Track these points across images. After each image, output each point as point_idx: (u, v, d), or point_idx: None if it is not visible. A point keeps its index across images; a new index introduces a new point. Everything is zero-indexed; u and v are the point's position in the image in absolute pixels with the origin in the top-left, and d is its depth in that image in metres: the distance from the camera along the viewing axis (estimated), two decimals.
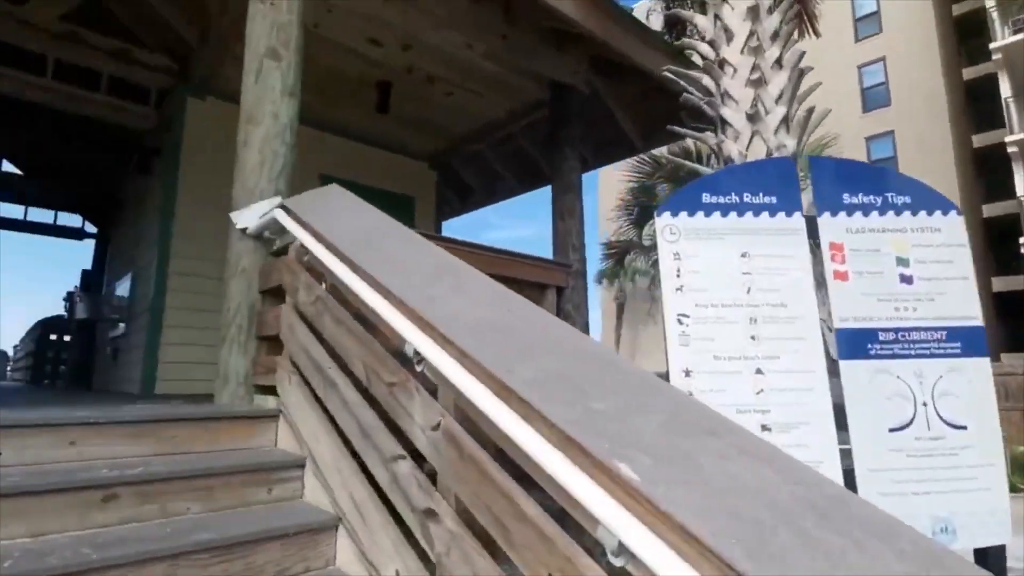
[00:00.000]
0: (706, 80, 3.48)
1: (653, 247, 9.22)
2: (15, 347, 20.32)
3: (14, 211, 10.23)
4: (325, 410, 2.23)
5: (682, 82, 3.49)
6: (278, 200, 3.05)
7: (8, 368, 21.55)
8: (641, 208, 8.85)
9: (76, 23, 5.01)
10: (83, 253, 10.43)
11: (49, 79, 4.84)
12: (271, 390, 2.75)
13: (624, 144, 6.58)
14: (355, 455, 2.02)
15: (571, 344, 1.51)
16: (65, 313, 8.58)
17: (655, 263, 9.69)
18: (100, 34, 5.12)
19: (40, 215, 10.65)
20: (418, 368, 1.71)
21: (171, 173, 5.34)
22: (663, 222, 2.34)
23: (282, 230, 2.85)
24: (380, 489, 1.90)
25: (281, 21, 3.27)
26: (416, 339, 1.62)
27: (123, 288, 6.64)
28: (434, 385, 1.66)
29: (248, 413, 2.54)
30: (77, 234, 11.04)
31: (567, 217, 5.20)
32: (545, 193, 5.75)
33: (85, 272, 10.15)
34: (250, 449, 2.46)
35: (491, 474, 1.39)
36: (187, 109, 5.45)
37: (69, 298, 9.06)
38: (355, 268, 1.99)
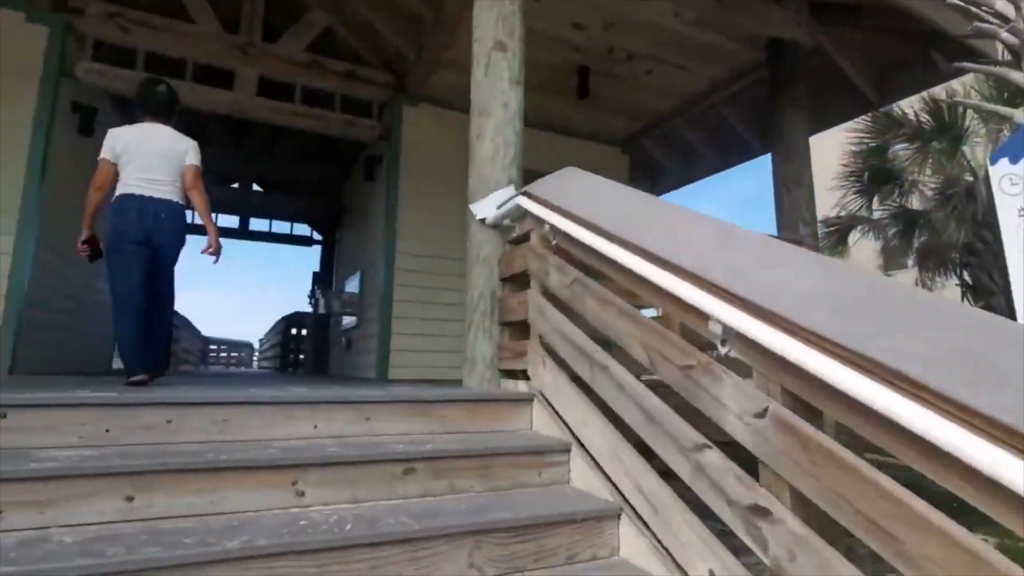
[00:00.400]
0: (999, 3, 2.81)
1: (890, 220, 7.91)
2: (260, 340, 24.34)
3: (261, 224, 12.19)
4: (591, 395, 2.16)
5: (973, 8, 2.86)
6: (512, 188, 3.09)
7: (254, 357, 25.94)
8: (873, 173, 7.55)
9: (316, 52, 5.69)
10: (303, 257, 12.09)
11: (298, 104, 5.57)
12: (518, 374, 2.79)
13: (852, 101, 5.74)
14: (634, 442, 1.93)
15: (952, 313, 1.22)
16: (311, 309, 9.93)
17: (899, 234, 8.30)
18: (334, 59, 5.76)
19: (277, 227, 12.55)
20: (723, 348, 1.54)
21: (392, 177, 5.83)
22: (1000, 171, 1.88)
23: (522, 217, 2.87)
24: (664, 477, 1.78)
25: (505, 12, 3.31)
26: (726, 315, 1.45)
27: (352, 286, 7.46)
28: (747, 367, 1.48)
29: (506, 396, 2.59)
30: (307, 241, 12.82)
31: (793, 187, 4.65)
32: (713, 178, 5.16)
33: (315, 274, 11.74)
34: (508, 432, 2.50)
35: (859, 470, 1.16)
36: (403, 117, 5.92)
37: (312, 295, 10.55)
38: (627, 246, 1.87)
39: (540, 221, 2.57)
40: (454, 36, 4.96)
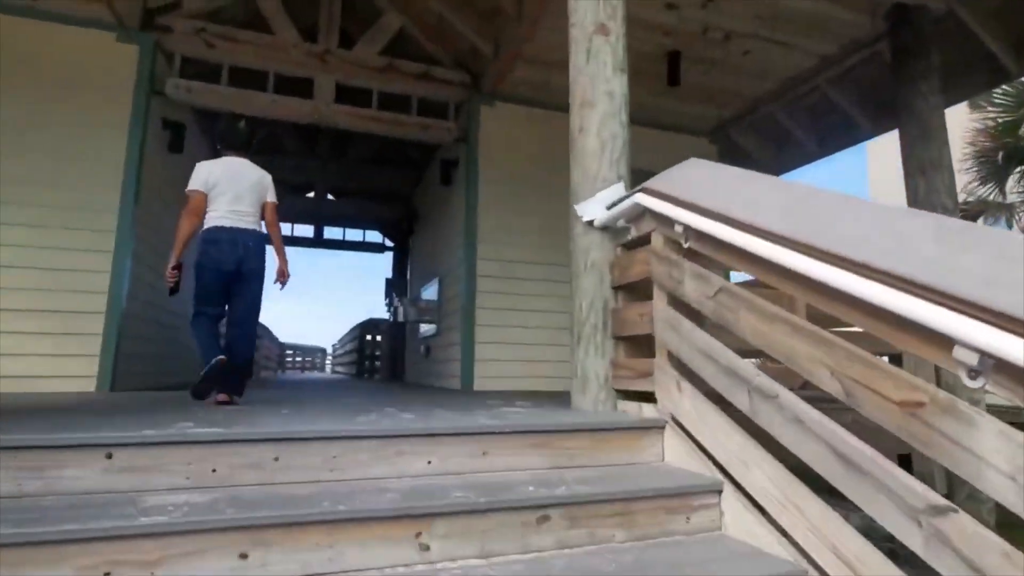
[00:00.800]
0: None
1: None
2: (333, 345, 25.09)
3: (334, 232, 12.39)
4: (748, 426, 1.83)
5: None
6: (622, 186, 2.79)
7: (327, 362, 26.82)
8: (1007, 152, 6.65)
9: (390, 55, 5.58)
10: (375, 264, 12.14)
11: (374, 109, 5.48)
12: (640, 396, 2.48)
13: (985, 71, 5.06)
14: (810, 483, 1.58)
15: None
16: (387, 316, 9.98)
17: None
18: (409, 60, 5.63)
19: (350, 234, 12.75)
20: (973, 382, 1.18)
21: (471, 180, 5.64)
22: None
23: (639, 217, 2.57)
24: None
25: None
26: (992, 341, 1.10)
27: (430, 293, 7.35)
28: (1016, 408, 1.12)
29: (634, 424, 2.29)
30: (379, 248, 12.95)
31: (929, 171, 4.09)
32: None
33: (388, 280, 11.82)
34: (640, 465, 2.20)
35: None
36: (480, 117, 5.72)
37: (390, 302, 10.67)
38: (805, 249, 1.53)
39: (667, 221, 2.26)
40: (535, 28, 4.71)
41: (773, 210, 1.77)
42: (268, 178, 3.32)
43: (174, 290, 3.18)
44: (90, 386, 4.23)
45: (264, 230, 3.26)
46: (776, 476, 1.70)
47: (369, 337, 11.74)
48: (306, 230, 12.52)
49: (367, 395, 4.47)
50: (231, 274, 3.07)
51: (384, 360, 11.13)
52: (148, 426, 1.85)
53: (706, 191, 2.13)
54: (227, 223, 3.08)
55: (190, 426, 1.90)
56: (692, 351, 2.12)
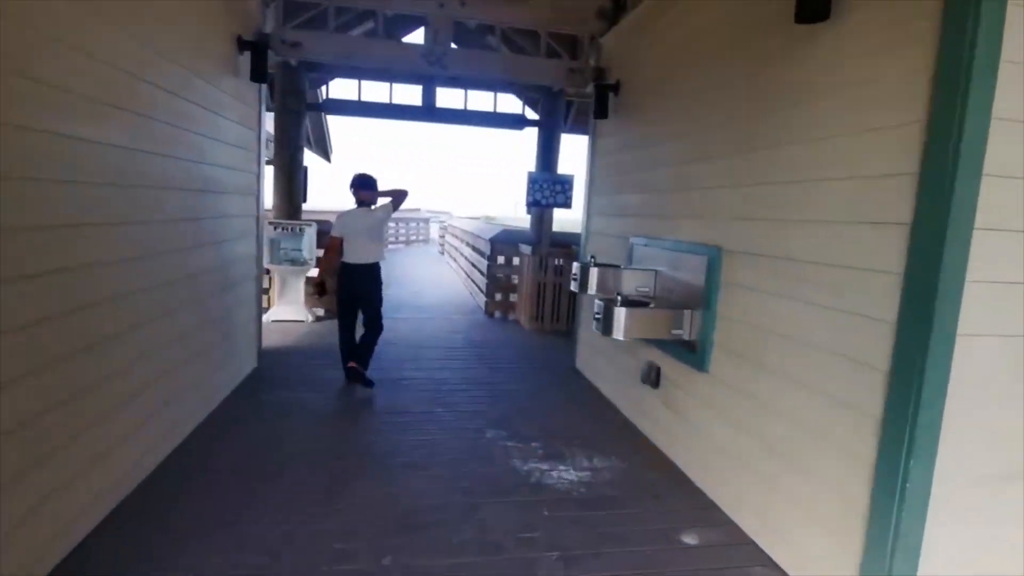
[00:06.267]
0: None
1: None
2: (442, 225, 22.64)
3: (453, 97, 8.73)
4: None
5: None
6: None
7: (430, 234, 24.98)
8: None
9: None
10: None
11: None
12: None
13: None
14: None
15: None
16: (533, 235, 6.71)
17: None
18: None
19: (474, 101, 9.03)
20: None
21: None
22: None
23: None
24: None
25: None
26: None
27: (645, 255, 3.74)
28: None
29: None
30: (518, 122, 9.17)
31: None
32: None
33: (531, 176, 8.07)
34: None
35: None
36: None
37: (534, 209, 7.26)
38: None
39: None
40: None
41: None
42: (385, 213, 4.95)
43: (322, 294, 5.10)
44: None
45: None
46: None
47: (502, 259, 8.44)
48: (413, 93, 8.93)
49: None
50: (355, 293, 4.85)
51: (524, 300, 7.89)
52: None
53: None
54: (351, 260, 4.80)
55: None
56: None
